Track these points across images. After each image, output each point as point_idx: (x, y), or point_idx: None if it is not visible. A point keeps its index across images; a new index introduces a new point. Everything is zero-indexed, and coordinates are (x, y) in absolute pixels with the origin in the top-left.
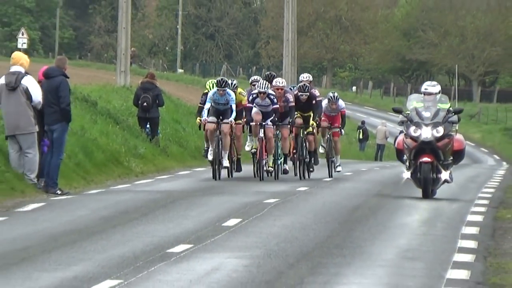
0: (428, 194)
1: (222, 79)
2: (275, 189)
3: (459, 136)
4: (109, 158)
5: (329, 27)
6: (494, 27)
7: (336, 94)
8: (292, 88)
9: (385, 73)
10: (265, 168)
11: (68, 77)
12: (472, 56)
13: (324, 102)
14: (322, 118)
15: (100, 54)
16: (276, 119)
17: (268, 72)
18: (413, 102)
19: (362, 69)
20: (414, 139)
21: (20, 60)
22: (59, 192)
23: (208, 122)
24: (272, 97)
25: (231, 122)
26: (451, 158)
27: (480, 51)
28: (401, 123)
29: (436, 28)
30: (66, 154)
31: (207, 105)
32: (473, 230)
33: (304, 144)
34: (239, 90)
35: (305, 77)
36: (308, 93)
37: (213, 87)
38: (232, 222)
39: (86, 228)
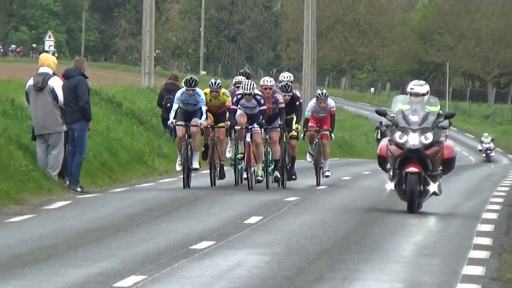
0: (414, 208)
1: (191, 77)
2: (276, 194)
3: (449, 143)
4: (133, 158)
5: (347, 30)
6: (508, 30)
7: (325, 91)
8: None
9: (402, 75)
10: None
11: (86, 77)
12: (487, 58)
13: (312, 101)
14: (310, 123)
15: (125, 56)
16: (264, 121)
17: (243, 70)
18: (399, 104)
19: (380, 71)
20: (399, 146)
21: (47, 61)
22: (79, 189)
23: (177, 125)
24: (259, 97)
25: (200, 124)
26: (441, 168)
27: (495, 53)
28: (386, 127)
29: (452, 31)
30: (91, 153)
31: (175, 106)
32: (488, 227)
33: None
34: (223, 90)
35: (286, 76)
36: (291, 93)
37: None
38: (253, 219)
39: (111, 225)
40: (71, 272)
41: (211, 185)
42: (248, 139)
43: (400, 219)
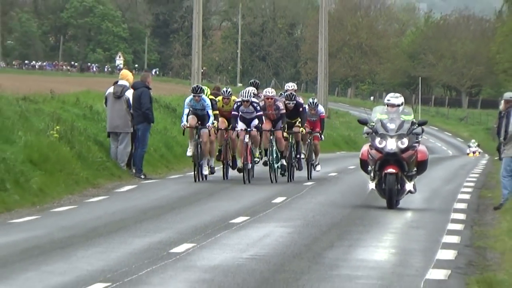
0: (392, 204)
1: (197, 86)
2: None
3: (422, 147)
4: (185, 151)
5: (352, 52)
6: (478, 51)
7: (316, 100)
8: (281, 94)
9: (395, 86)
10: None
11: (150, 88)
12: (462, 74)
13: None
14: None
15: (179, 72)
16: (260, 125)
17: (253, 80)
18: (377, 114)
19: (378, 83)
20: (379, 150)
21: (126, 77)
22: (142, 176)
23: (189, 127)
24: (255, 104)
25: (209, 127)
26: (415, 169)
27: (468, 69)
28: (367, 134)
29: (434, 52)
30: (152, 148)
31: (185, 111)
32: (463, 205)
33: (293, 148)
34: (233, 97)
35: (290, 86)
36: (295, 101)
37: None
38: (279, 200)
39: (167, 204)
40: (136, 241)
41: (223, 178)
42: (246, 139)
43: None
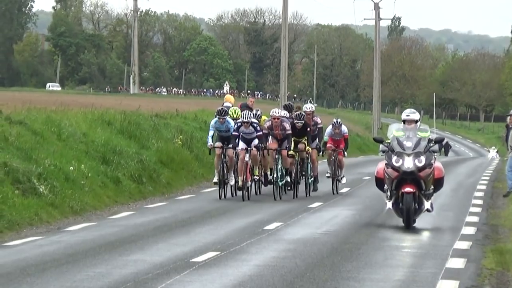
0: (410, 224)
1: (222, 109)
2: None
3: (438, 164)
4: None
5: (398, 80)
6: (491, 80)
7: (339, 120)
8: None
9: (430, 105)
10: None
11: (251, 109)
12: (479, 96)
13: (329, 128)
14: (328, 143)
15: (271, 96)
16: (261, 144)
17: (288, 103)
18: (393, 131)
19: (417, 103)
20: (395, 169)
21: (229, 100)
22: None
23: (215, 147)
24: (255, 125)
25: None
26: (432, 187)
27: (484, 93)
28: (382, 152)
29: (459, 80)
30: None
31: (211, 133)
32: (481, 193)
33: (299, 167)
34: (263, 117)
35: (309, 107)
36: (303, 121)
37: (234, 113)
38: (343, 191)
39: (261, 195)
40: (239, 221)
41: (256, 194)
42: (246, 158)
43: None
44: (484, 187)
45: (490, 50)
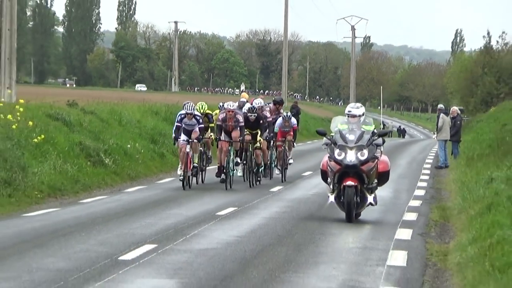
0: (351, 218)
1: (190, 104)
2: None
3: (384, 158)
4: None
5: (368, 82)
6: (437, 82)
7: (289, 113)
8: (266, 104)
9: (392, 101)
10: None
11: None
12: (428, 94)
13: (279, 120)
14: (278, 135)
15: (275, 93)
16: (201, 136)
17: (279, 98)
18: (338, 124)
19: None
20: (338, 162)
21: (245, 96)
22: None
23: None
24: (198, 117)
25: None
26: (376, 181)
27: (431, 92)
28: (325, 145)
29: (413, 82)
30: None
31: (177, 125)
32: (428, 165)
33: (253, 157)
34: (216, 111)
35: (258, 102)
36: (255, 114)
37: (201, 108)
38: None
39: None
40: (254, 187)
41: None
42: (187, 149)
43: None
44: (431, 160)
45: (436, 60)
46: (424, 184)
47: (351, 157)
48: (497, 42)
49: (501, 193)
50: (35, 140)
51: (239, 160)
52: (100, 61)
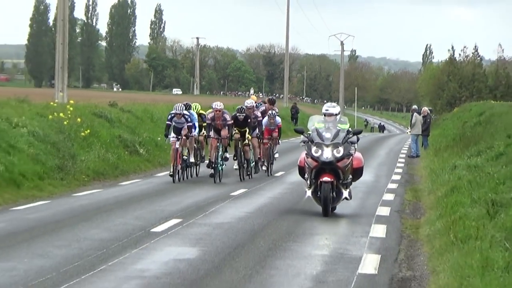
0: (327, 212)
1: (180, 105)
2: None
3: (357, 155)
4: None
5: (354, 87)
6: (410, 87)
7: (274, 112)
8: (259, 104)
9: (373, 102)
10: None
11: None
12: (403, 97)
13: (265, 119)
14: (265, 133)
15: (278, 96)
16: (190, 134)
17: (271, 97)
18: (314, 122)
19: (365, 101)
20: (315, 159)
21: (253, 98)
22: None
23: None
24: (187, 117)
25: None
26: (351, 177)
27: (406, 95)
28: (303, 143)
29: (391, 87)
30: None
31: (168, 123)
32: (403, 155)
33: (242, 153)
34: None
35: (249, 103)
36: (244, 114)
37: (195, 108)
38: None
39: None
40: (260, 173)
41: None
42: (177, 145)
43: (364, 156)
44: (405, 151)
45: (410, 70)
46: (400, 170)
47: (327, 154)
48: (460, 54)
49: (462, 178)
50: (83, 133)
51: (227, 156)
52: (136, 70)
